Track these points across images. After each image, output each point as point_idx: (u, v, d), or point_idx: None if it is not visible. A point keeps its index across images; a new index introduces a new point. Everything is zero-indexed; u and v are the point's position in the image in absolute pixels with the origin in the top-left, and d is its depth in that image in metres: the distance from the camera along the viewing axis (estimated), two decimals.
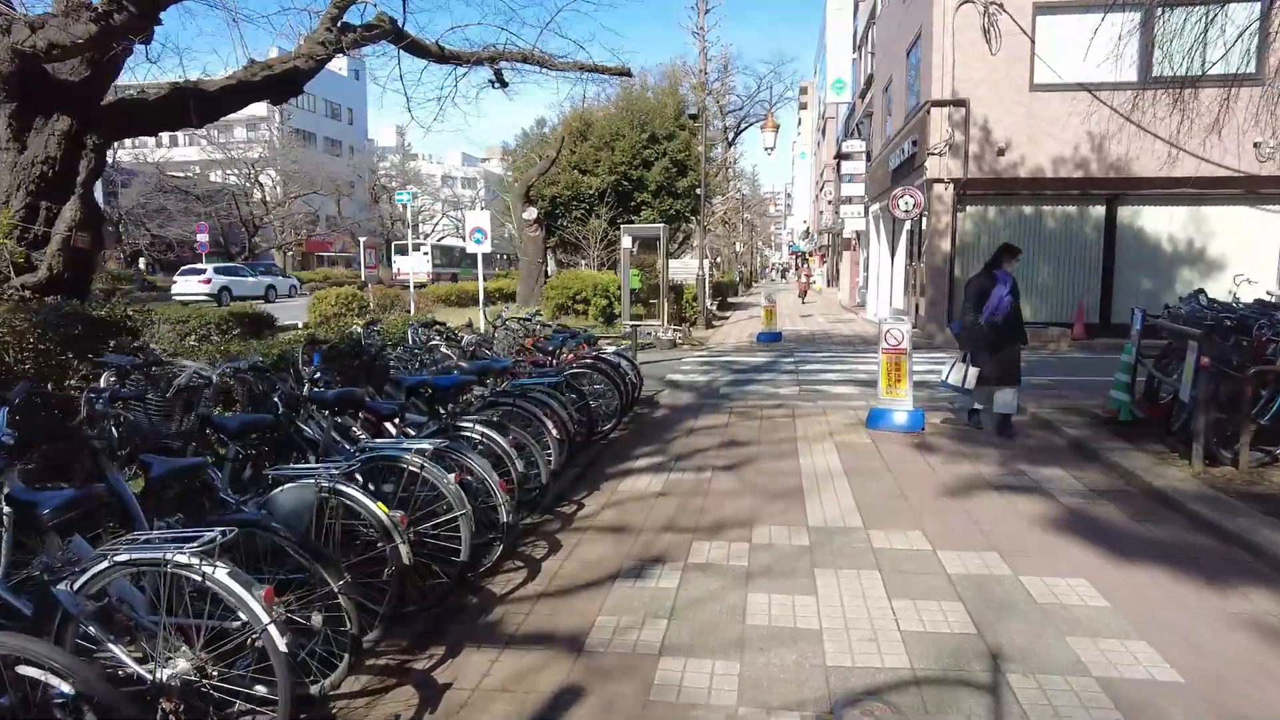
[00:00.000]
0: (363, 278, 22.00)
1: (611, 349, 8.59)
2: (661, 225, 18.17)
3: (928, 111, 14.88)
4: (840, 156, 27.43)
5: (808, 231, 67.41)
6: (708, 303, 23.08)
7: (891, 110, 20.05)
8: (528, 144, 26.33)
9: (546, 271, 22.78)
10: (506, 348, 8.30)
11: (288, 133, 60.21)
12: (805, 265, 39.92)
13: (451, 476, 3.51)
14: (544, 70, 10.76)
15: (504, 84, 12.64)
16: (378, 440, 3.73)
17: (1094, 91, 14.15)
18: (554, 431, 5.06)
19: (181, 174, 49.07)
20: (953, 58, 14.61)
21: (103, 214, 8.68)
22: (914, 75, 16.96)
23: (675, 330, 16.60)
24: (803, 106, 72.34)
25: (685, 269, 23.95)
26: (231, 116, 59.42)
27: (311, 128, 71.61)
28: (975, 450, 6.72)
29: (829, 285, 44.22)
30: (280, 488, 3.18)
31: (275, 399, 4.03)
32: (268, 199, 52.36)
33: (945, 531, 4.68)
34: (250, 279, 36.96)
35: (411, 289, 17.18)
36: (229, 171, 51.34)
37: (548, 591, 3.92)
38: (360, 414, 4.37)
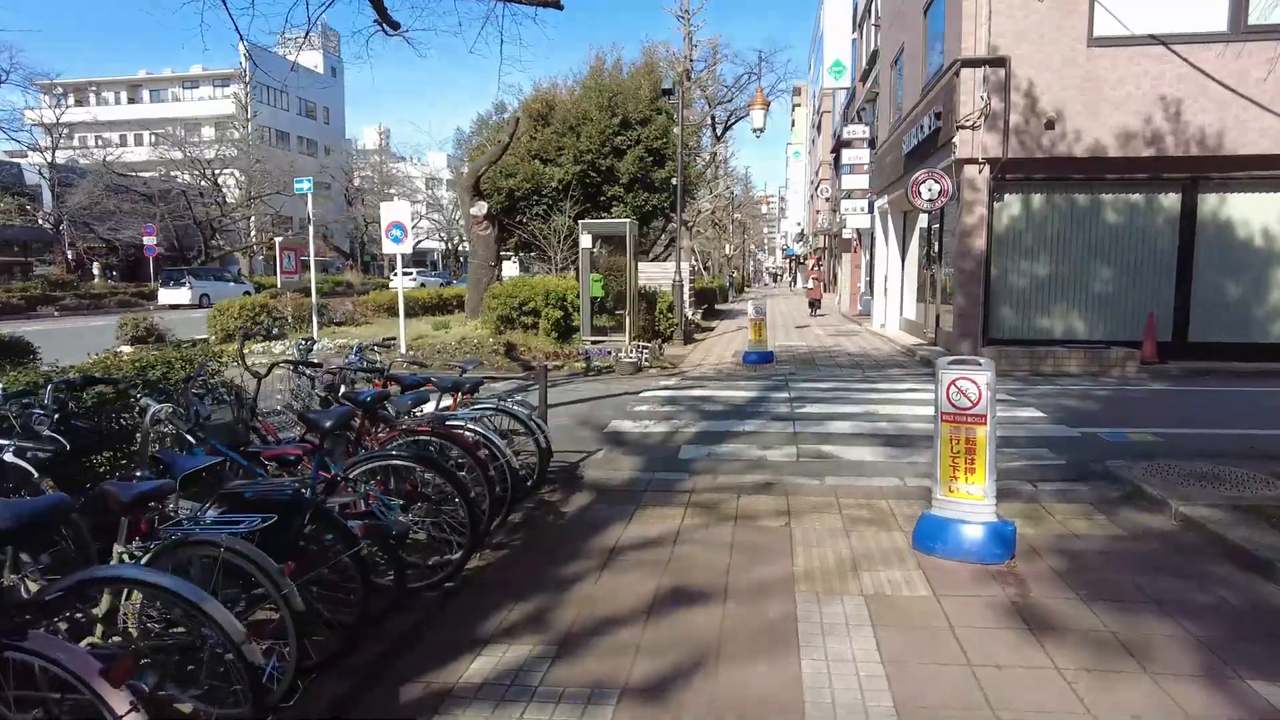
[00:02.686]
0: (279, 285, 18.84)
1: (491, 404, 5.36)
2: (628, 221, 14.99)
3: (956, 74, 11.74)
4: (840, 145, 24.31)
5: (802, 234, 64.41)
6: (687, 312, 19.90)
7: (903, 86, 16.92)
8: (484, 130, 23.13)
9: (499, 276, 19.57)
10: (301, 404, 5.09)
11: (254, 131, 57.06)
12: (818, 267, 31.93)
13: None
14: None
15: (393, 25, 9.53)
16: None
17: (1172, 46, 11.03)
18: None
19: (132, 173, 45.70)
20: (988, 5, 11.48)
21: None
22: (936, 35, 13.80)
23: (643, 348, 13.40)
24: (796, 105, 69.45)
25: (664, 273, 20.79)
26: (200, 113, 56.49)
27: (285, 127, 68.60)
28: (1130, 619, 3.52)
29: (825, 291, 41.08)
30: None
31: None
32: (228, 200, 49.24)
33: None
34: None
35: (314, 298, 13.95)
36: (189, 172, 47.99)
37: None
38: None
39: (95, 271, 47.81)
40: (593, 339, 14.70)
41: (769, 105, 16.33)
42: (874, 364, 12.90)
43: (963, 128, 11.67)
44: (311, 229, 13.84)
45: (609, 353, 13.21)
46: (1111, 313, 12.12)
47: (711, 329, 21.50)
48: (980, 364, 4.29)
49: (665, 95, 16.65)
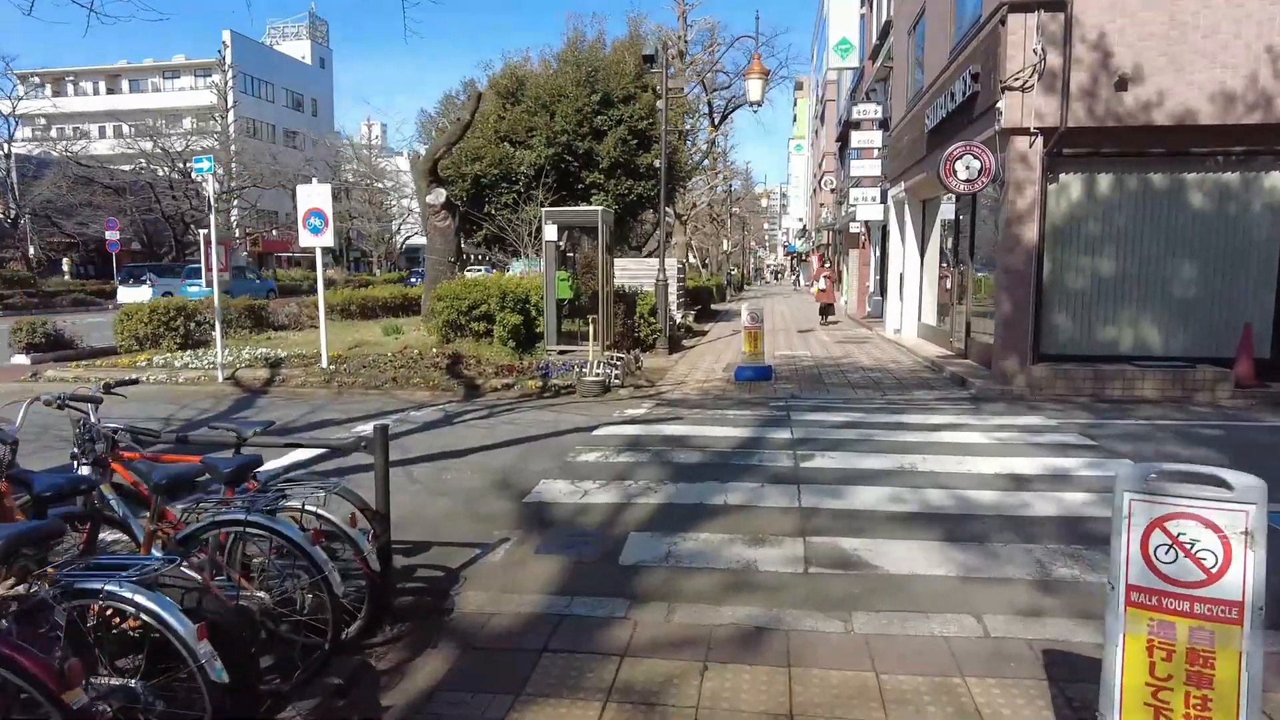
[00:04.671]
0: (203, 284, 16.49)
1: (239, 512, 2.96)
2: (599, 209, 12.61)
3: (1002, 21, 9.32)
4: (848, 127, 21.89)
5: (804, 230, 62.01)
6: (676, 315, 17.54)
7: (925, 53, 14.52)
8: (451, 111, 20.72)
9: (463, 272, 17.20)
10: None
11: (237, 122, 54.90)
12: (829, 265, 25.99)
13: None
14: None
15: None
16: None
17: None
18: None
19: (97, 164, 43.42)
20: None
21: None
22: None
23: (615, 361, 11.02)
24: (799, 98, 67.00)
25: (649, 270, 18.38)
26: (180, 104, 54.77)
27: (270, 119, 66.27)
28: None
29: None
30: None
31: None
32: (204, 193, 46.96)
33: None
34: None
35: (216, 298, 11.60)
36: (162, 164, 45.76)
37: None
38: None
39: (65, 268, 45.64)
40: (560, 349, 12.34)
41: (768, 76, 13.94)
42: (895, 383, 10.50)
43: (1009, 89, 9.26)
44: (214, 218, 11.44)
45: (569, 367, 10.83)
46: (1194, 322, 9.72)
47: (704, 333, 19.12)
48: (1229, 484, 1.89)
49: (647, 63, 14.25)
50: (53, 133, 54.17)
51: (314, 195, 11.37)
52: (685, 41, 31.03)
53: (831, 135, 36.77)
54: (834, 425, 7.64)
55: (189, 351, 13.34)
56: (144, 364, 12.23)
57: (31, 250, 41.34)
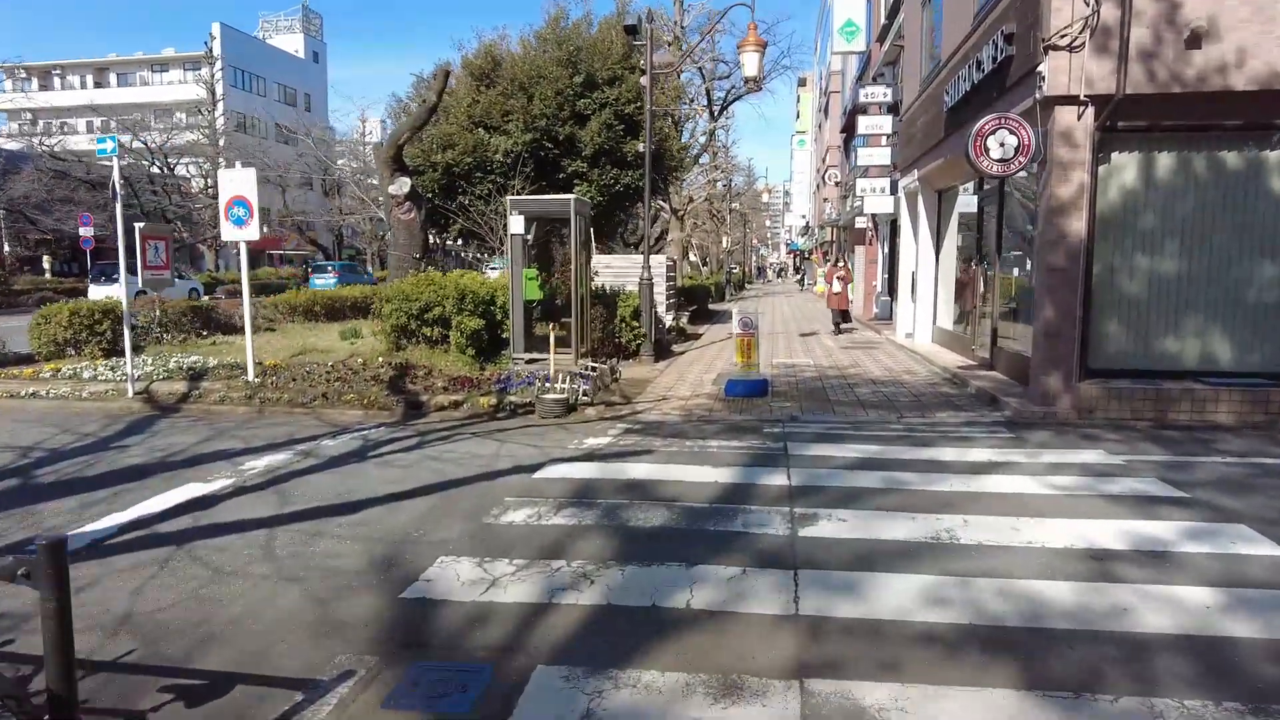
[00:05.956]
0: (139, 283, 14.90)
1: None
2: (571, 198, 11.01)
3: None
4: (855, 112, 20.24)
5: (807, 227, 60.35)
6: (666, 318, 15.96)
7: (943, 24, 12.90)
8: (421, 94, 19.12)
9: (425, 269, 15.62)
10: None
11: (228, 116, 53.62)
12: (841, 264, 22.01)
13: None
14: None
15: None
16: None
17: None
18: None
19: (74, 159, 42.02)
20: None
21: None
22: None
23: (588, 373, 9.45)
24: (801, 90, 65.39)
25: (638, 267, 16.81)
26: (168, 98, 53.41)
27: (262, 113, 64.82)
28: None
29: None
30: None
31: None
32: (192, 189, 45.82)
33: None
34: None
35: (123, 297, 10.09)
36: (141, 159, 44.41)
37: None
38: None
39: (45, 265, 44.24)
40: (528, 357, 10.75)
41: (764, 48, 12.34)
42: (913, 400, 8.90)
43: (1054, 48, 7.65)
44: (120, 207, 9.87)
45: (530, 379, 9.25)
46: (1276, 332, 8.10)
47: (698, 336, 17.56)
48: None
49: (629, 34, 12.67)
50: (39, 127, 52.91)
51: (237, 181, 9.80)
52: (682, 28, 29.44)
53: (836, 128, 35.20)
54: (843, 464, 6.04)
55: (111, 360, 11.81)
56: (49, 374, 10.69)
57: (5, 247, 39.97)
